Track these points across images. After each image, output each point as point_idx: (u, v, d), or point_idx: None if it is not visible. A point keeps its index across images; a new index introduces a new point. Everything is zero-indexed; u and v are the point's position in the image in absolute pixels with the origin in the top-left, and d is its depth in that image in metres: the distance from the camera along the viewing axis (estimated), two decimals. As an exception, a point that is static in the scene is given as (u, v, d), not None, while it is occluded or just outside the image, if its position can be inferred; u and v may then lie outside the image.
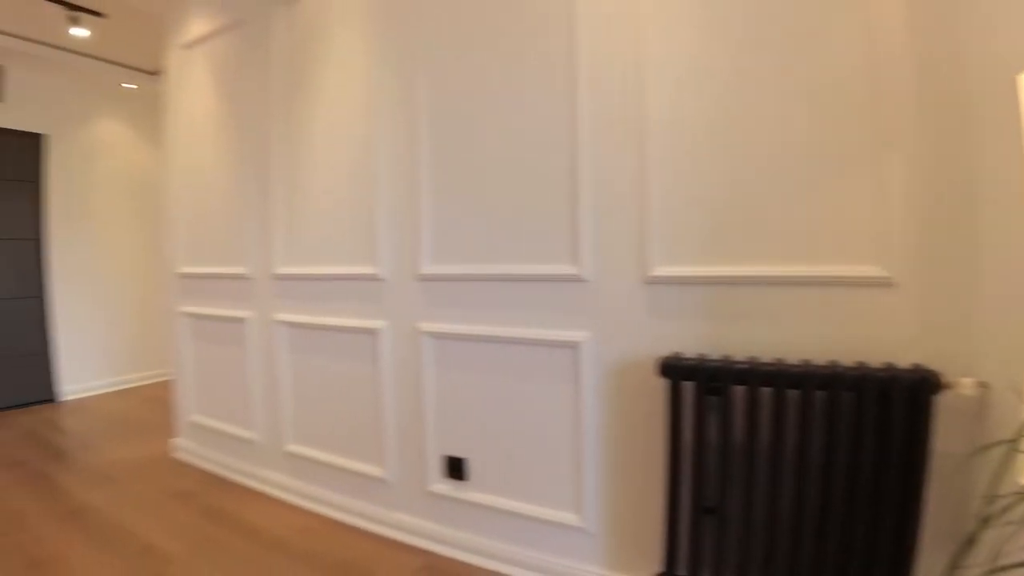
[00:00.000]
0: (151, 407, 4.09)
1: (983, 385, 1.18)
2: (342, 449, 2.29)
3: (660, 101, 1.54)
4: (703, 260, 1.50)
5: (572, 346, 1.69)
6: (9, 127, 4.03)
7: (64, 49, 3.90)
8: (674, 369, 1.46)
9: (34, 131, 4.16)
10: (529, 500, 1.83)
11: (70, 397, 4.32)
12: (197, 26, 2.81)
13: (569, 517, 1.75)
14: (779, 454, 1.35)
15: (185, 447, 3.00)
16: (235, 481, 2.69)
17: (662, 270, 1.55)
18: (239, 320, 2.60)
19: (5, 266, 4.02)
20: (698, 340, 1.52)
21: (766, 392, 1.36)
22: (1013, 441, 1.00)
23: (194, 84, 2.85)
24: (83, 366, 4.42)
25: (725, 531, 1.44)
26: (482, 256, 1.86)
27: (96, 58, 4.12)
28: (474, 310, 1.88)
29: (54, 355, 4.25)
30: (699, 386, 1.44)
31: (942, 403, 1.22)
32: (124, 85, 4.50)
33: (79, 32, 3.47)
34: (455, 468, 1.97)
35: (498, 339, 1.83)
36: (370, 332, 2.13)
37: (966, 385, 1.19)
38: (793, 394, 1.33)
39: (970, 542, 1.00)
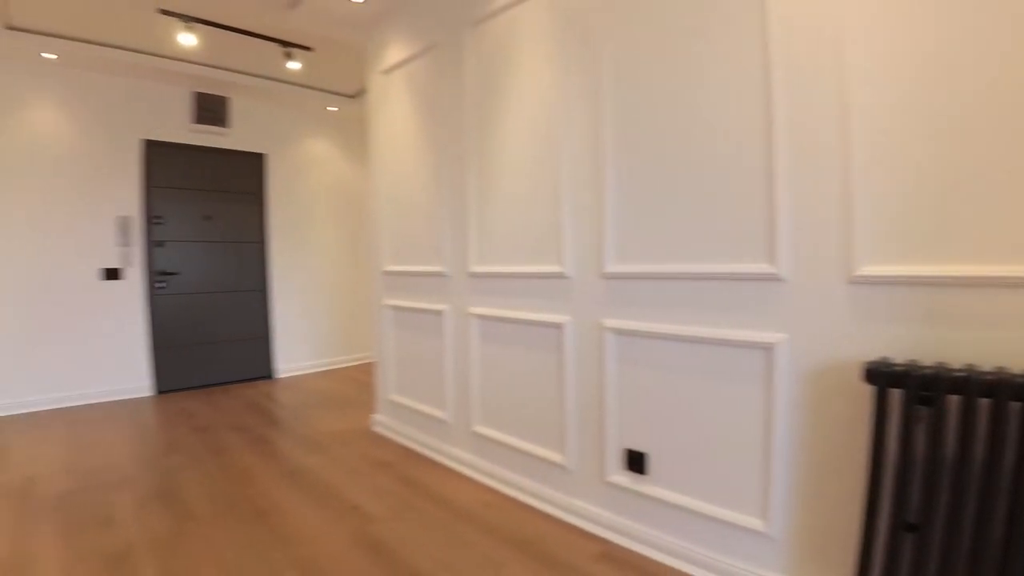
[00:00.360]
0: (352, 386, 4.69)
1: None
2: (524, 433, 2.47)
3: (865, 79, 1.45)
4: (916, 259, 1.40)
5: (766, 348, 1.67)
6: (237, 149, 4.87)
7: (278, 80, 4.63)
8: (882, 375, 1.39)
9: (257, 151, 4.98)
10: (710, 500, 1.84)
11: (284, 375, 5.11)
12: (394, 53, 3.18)
13: (753, 522, 1.73)
14: (994, 472, 1.24)
15: (383, 422, 3.42)
16: (426, 456, 3.02)
17: (869, 269, 1.47)
18: (437, 312, 2.91)
19: (238, 265, 4.87)
20: (906, 345, 1.42)
21: (984, 403, 1.25)
22: None
23: (393, 104, 3.23)
24: (294, 349, 5.20)
25: (926, 551, 1.35)
26: (668, 254, 1.90)
27: (305, 86, 4.81)
28: (659, 308, 1.93)
29: (272, 339, 5.06)
30: (908, 394, 1.35)
31: None
32: (329, 108, 5.19)
33: (293, 65, 4.09)
34: (635, 461, 2.04)
35: (685, 338, 1.85)
36: (555, 326, 2.28)
37: None
38: (1016, 407, 1.21)
39: None
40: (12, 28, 3.56)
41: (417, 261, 3.08)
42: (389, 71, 3.25)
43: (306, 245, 5.29)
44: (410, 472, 2.81)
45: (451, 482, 2.68)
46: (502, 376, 2.56)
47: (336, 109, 5.23)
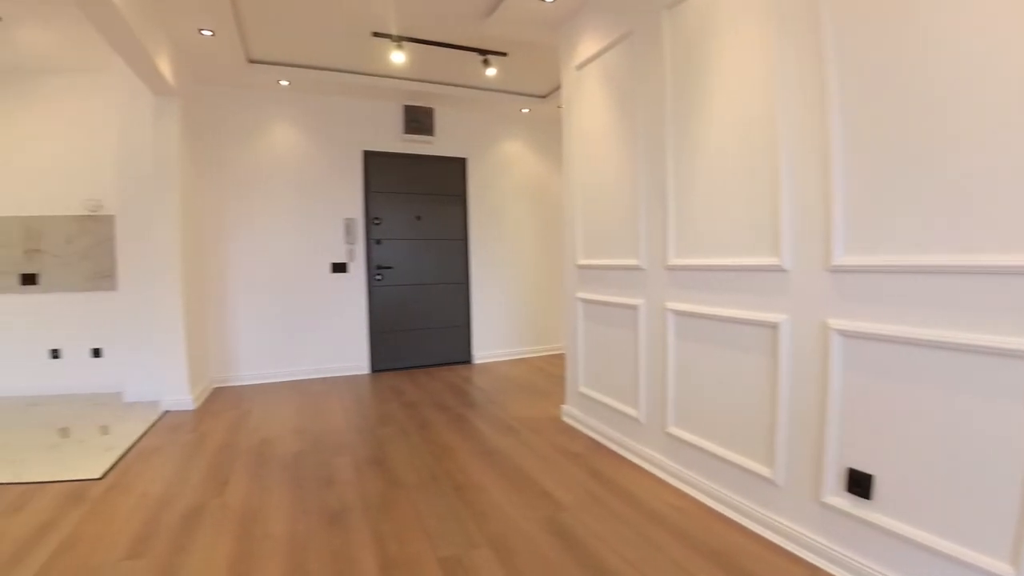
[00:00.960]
0: (541, 376, 4.85)
1: None
2: (725, 440, 2.29)
3: None
4: None
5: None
6: (441, 154, 5.30)
7: (476, 88, 4.93)
8: None
9: (458, 156, 5.38)
10: (959, 541, 1.51)
11: (479, 361, 5.47)
12: (586, 47, 3.17)
13: (1006, 570, 1.38)
14: None
15: (572, 414, 3.46)
16: (615, 451, 2.98)
17: None
18: (631, 307, 2.84)
19: (442, 260, 5.33)
20: None
21: None
22: None
23: (587, 99, 3.23)
24: (490, 337, 5.54)
25: None
26: (925, 244, 1.60)
27: (500, 91, 5.06)
28: (912, 308, 1.63)
29: (471, 327, 5.44)
30: None
31: None
32: (522, 111, 5.41)
33: (490, 72, 4.31)
34: (859, 483, 1.76)
35: (949, 346, 1.52)
36: (768, 326, 2.06)
37: None
38: None
39: None
40: (253, 62, 4.32)
41: (611, 254, 3.05)
42: (582, 66, 3.26)
43: (502, 241, 5.59)
44: (599, 465, 2.79)
45: (640, 480, 2.61)
46: (701, 377, 2.40)
47: (528, 110, 5.42)
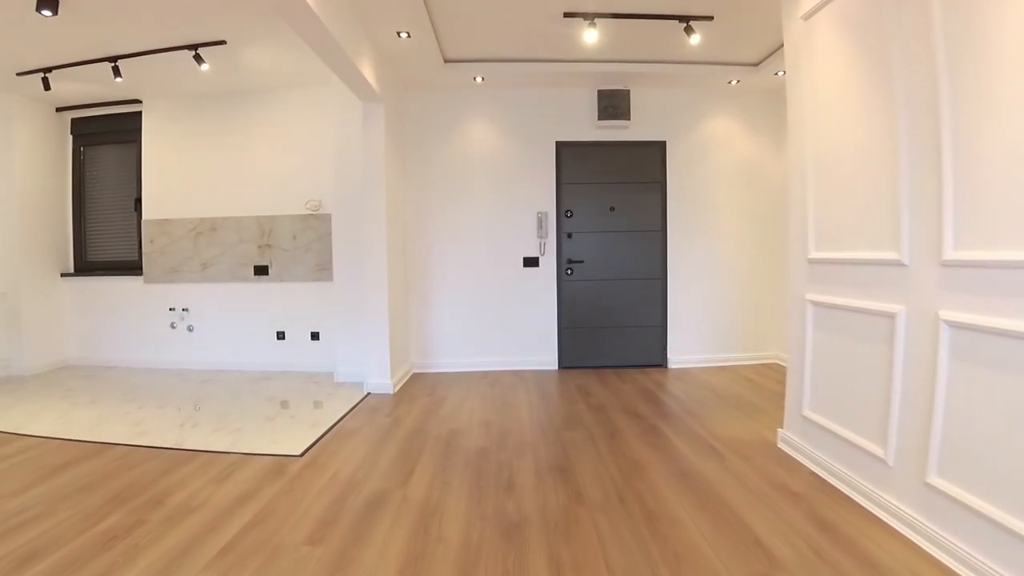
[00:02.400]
0: (749, 389, 4.22)
1: None
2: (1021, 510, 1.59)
3: None
4: None
5: None
6: (637, 139, 4.90)
7: (676, 62, 4.43)
8: None
9: (656, 139, 4.92)
10: None
11: (674, 366, 4.97)
12: (822, -13, 2.54)
13: None
14: None
15: (791, 441, 2.86)
16: (848, 495, 2.35)
17: None
18: (885, 315, 2.18)
19: (637, 253, 4.95)
20: None
21: None
22: None
23: (820, 53, 2.61)
24: (688, 340, 5.01)
25: None
26: None
27: (703, 63, 4.50)
28: None
29: (667, 328, 4.98)
30: None
31: None
32: (729, 82, 4.76)
33: (694, 39, 3.78)
34: None
35: None
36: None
37: None
38: None
39: None
40: (449, 61, 4.38)
41: (854, 246, 2.39)
42: (810, 15, 2.63)
43: (705, 232, 5.01)
44: (826, 512, 2.21)
45: (884, 541, 1.98)
46: (996, 417, 1.70)
47: (737, 82, 4.75)
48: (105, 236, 5.70)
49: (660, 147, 4.93)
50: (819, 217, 2.68)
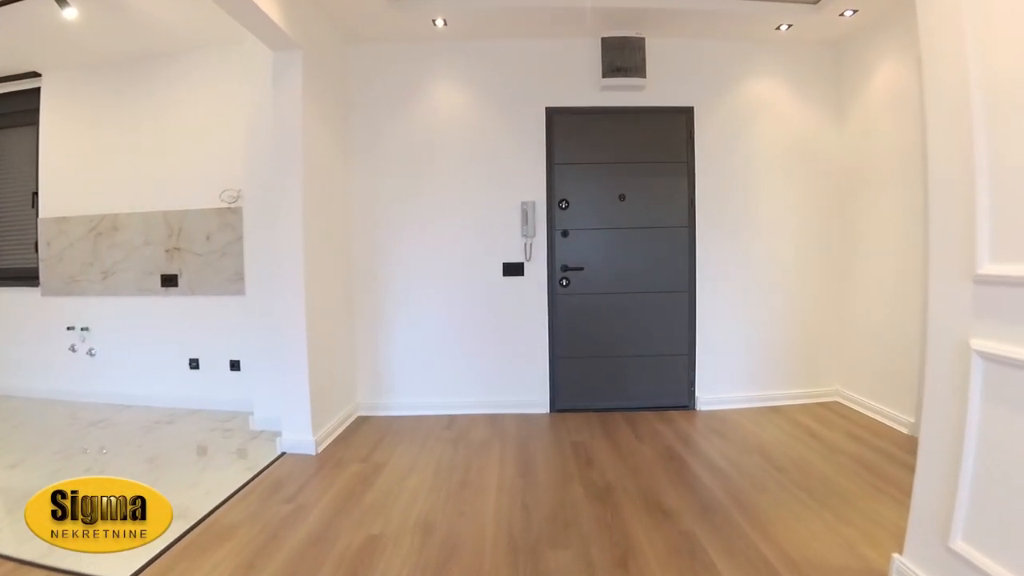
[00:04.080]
0: (817, 449, 2.98)
1: None
2: None
3: None
4: None
5: None
6: (655, 105, 3.67)
7: None
8: None
9: (680, 105, 3.69)
10: None
11: (705, 407, 3.73)
12: None
13: None
14: None
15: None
16: None
17: None
18: None
19: (658, 258, 3.73)
20: None
21: None
22: None
23: None
24: (723, 372, 3.77)
25: None
26: None
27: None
28: None
29: (695, 357, 3.74)
30: None
31: None
32: (779, 28, 3.51)
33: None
34: None
35: None
36: None
37: None
38: None
39: None
40: None
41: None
42: None
43: (747, 229, 3.75)
44: None
45: None
46: None
47: (788, 26, 3.50)
48: (-1, 239, 4.62)
49: (686, 116, 3.69)
50: (1000, 202, 1.44)
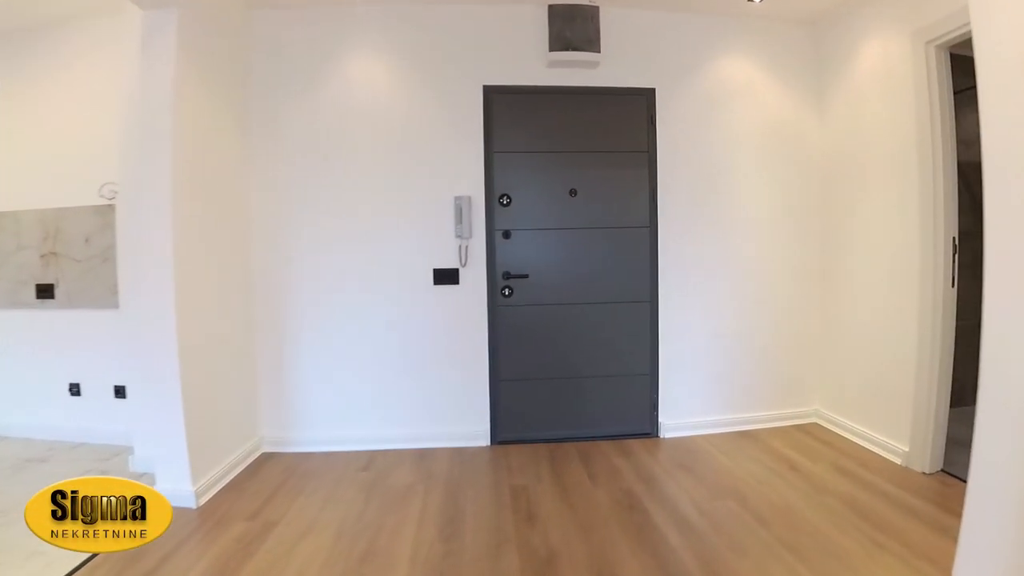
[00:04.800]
0: (802, 488, 2.51)
1: None
2: None
3: None
4: None
5: None
6: (611, 85, 3.17)
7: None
8: None
9: (640, 86, 3.20)
10: None
11: (670, 434, 3.24)
12: None
13: None
14: None
15: None
16: None
17: None
18: None
19: (616, 263, 3.22)
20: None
21: None
22: None
23: None
24: (688, 392, 3.28)
25: None
26: None
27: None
28: None
29: (657, 377, 3.24)
30: None
31: None
32: (751, 0, 3.06)
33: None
34: None
35: None
36: None
37: None
38: None
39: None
40: None
41: None
42: None
43: (717, 229, 3.27)
44: None
45: None
46: None
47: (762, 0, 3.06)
48: None
49: (646, 98, 3.20)
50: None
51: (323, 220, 3.09)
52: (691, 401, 3.27)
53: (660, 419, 3.23)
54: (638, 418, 3.23)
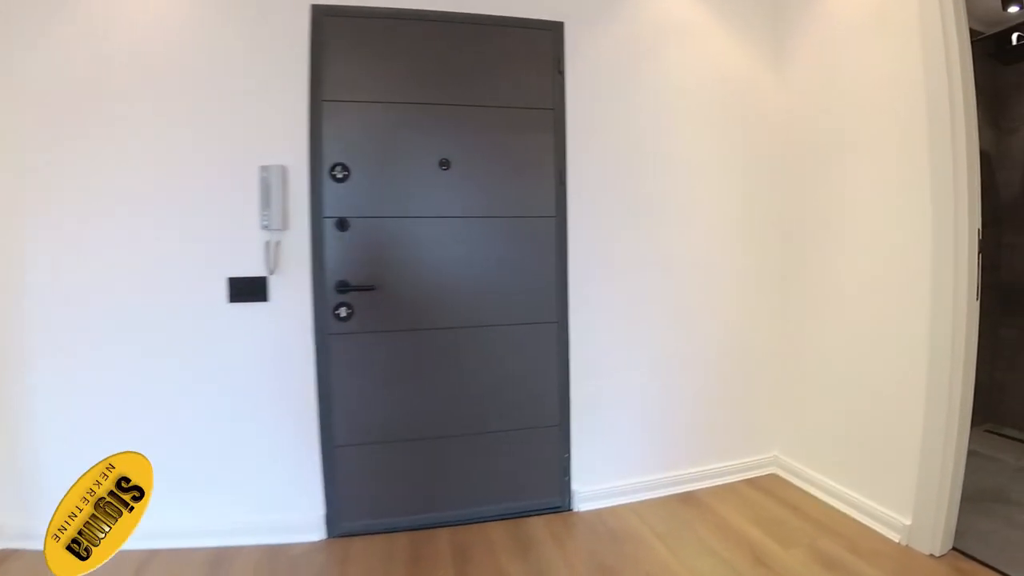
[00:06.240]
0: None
1: None
2: None
3: None
4: None
5: None
6: (498, 14, 2.20)
7: None
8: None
9: (543, 18, 2.25)
10: None
11: (586, 507, 2.32)
12: None
13: None
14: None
15: None
16: None
17: None
18: None
19: (513, 267, 2.24)
20: None
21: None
22: None
23: None
24: (611, 447, 2.37)
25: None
26: None
27: None
28: None
29: (569, 427, 2.31)
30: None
31: None
32: None
33: None
34: None
35: None
36: None
37: None
38: None
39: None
40: None
41: None
42: None
43: (647, 220, 2.38)
44: None
45: None
46: None
47: None
48: None
49: (552, 35, 2.25)
50: None
51: (70, 212, 1.95)
52: (615, 459, 2.37)
53: (573, 487, 2.30)
54: (543, 487, 2.28)
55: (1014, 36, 2.96)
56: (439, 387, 2.17)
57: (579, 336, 2.27)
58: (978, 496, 2.18)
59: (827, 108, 2.31)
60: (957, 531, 1.94)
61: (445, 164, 2.11)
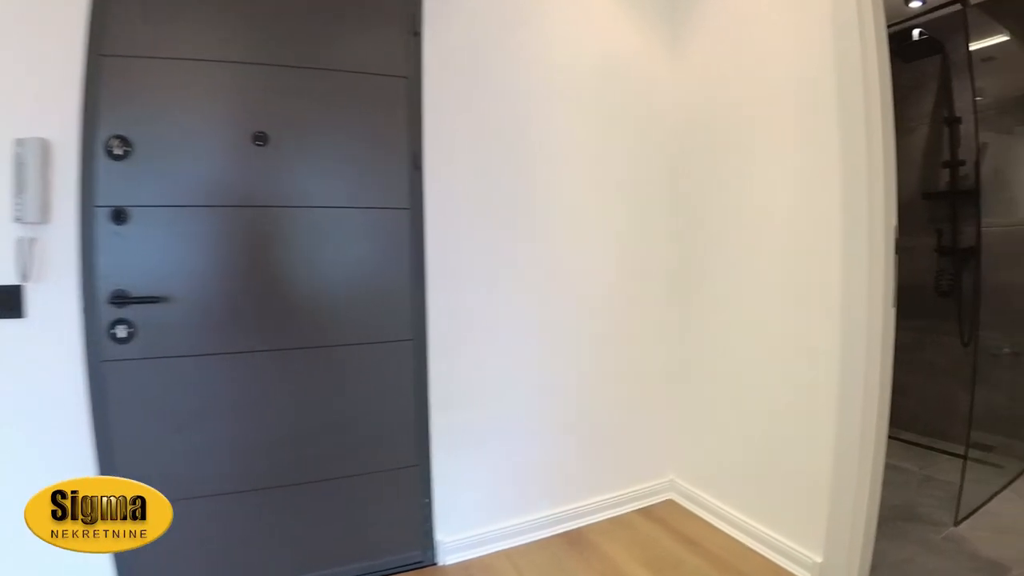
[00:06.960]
0: None
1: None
2: None
3: None
4: None
5: None
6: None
7: None
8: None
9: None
10: None
11: (456, 558, 1.95)
12: None
13: None
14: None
15: None
16: None
17: None
18: None
19: (350, 275, 1.81)
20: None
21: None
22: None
23: None
24: (477, 487, 2.01)
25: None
26: None
27: None
28: None
29: (430, 466, 1.92)
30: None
31: None
32: None
33: None
34: None
35: None
36: None
37: None
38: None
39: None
40: None
41: None
42: None
43: (521, 214, 2.04)
44: None
45: None
46: None
47: None
48: None
49: (408, -8, 1.86)
50: None
51: None
52: (487, 500, 2.01)
53: (437, 537, 1.92)
54: (402, 540, 1.89)
55: (915, 32, 2.87)
56: (267, 426, 1.72)
57: (439, 356, 1.89)
58: (889, 515, 1.99)
59: (723, 90, 2.06)
60: (873, 563, 1.73)
61: (261, 139, 1.67)
